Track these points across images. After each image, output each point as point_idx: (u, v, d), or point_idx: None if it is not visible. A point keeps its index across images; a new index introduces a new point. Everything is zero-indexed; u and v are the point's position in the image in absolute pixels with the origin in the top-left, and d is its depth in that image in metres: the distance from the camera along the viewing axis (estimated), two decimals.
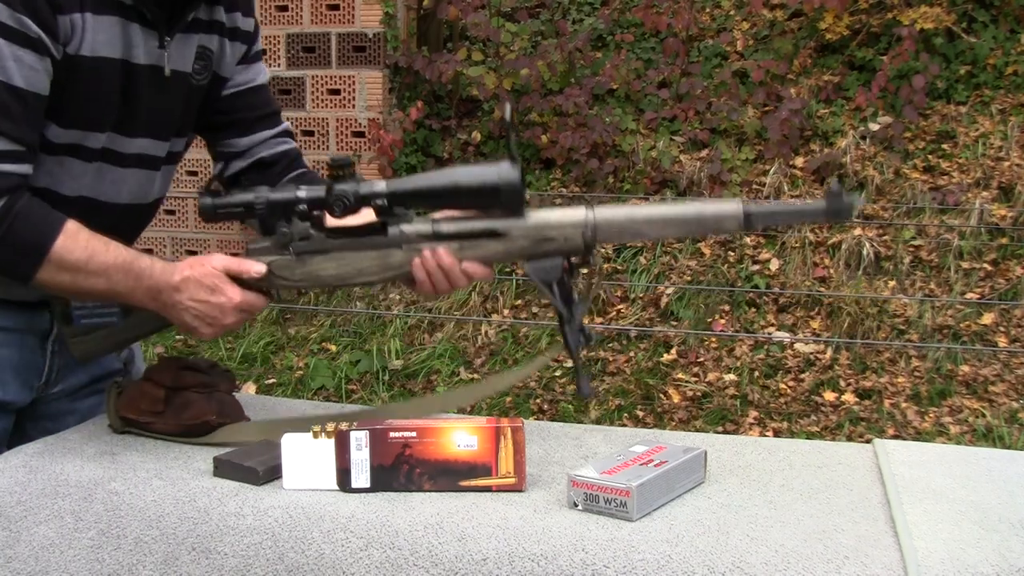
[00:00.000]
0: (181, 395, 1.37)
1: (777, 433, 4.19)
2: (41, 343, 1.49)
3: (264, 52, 1.67)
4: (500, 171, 1.21)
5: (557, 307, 1.27)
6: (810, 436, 4.13)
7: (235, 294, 1.31)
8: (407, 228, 1.28)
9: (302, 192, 1.28)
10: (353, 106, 5.71)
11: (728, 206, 1.21)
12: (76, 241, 1.28)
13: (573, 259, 1.26)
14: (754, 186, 5.49)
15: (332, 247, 1.29)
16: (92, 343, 1.37)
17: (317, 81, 5.82)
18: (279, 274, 1.31)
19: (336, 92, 5.75)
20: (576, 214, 1.23)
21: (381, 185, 1.25)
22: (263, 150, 1.59)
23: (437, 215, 1.29)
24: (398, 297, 5.47)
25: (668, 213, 1.23)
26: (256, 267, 1.31)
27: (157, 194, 1.54)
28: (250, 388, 4.74)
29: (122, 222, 1.46)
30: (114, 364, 1.59)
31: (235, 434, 1.36)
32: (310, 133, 5.74)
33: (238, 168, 1.58)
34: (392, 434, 1.16)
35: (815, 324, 4.85)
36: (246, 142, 1.58)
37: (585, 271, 1.29)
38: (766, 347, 4.74)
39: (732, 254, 5.25)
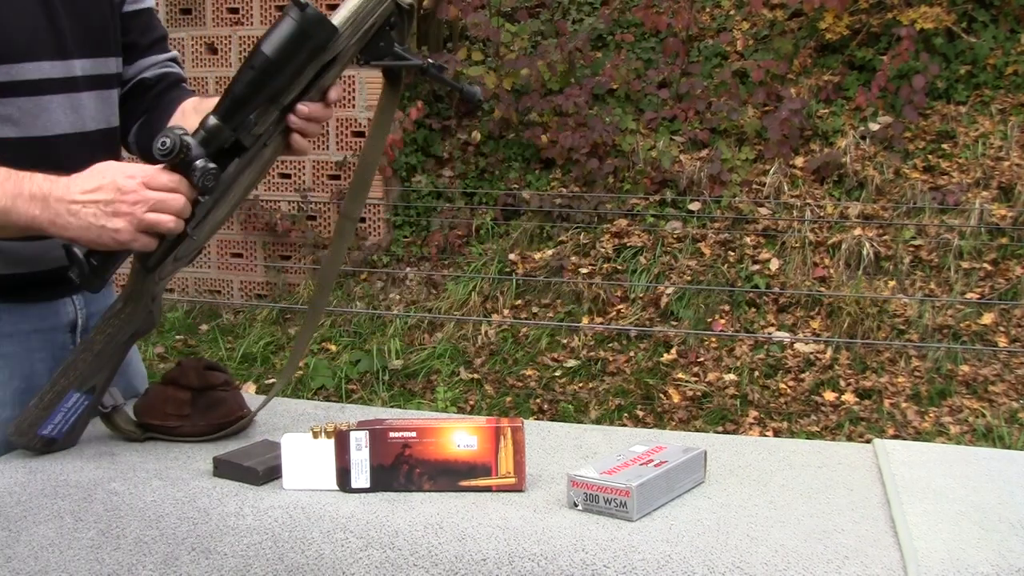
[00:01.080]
0: (207, 395, 1.37)
1: (777, 433, 4.19)
2: (71, 337, 1.48)
3: None
4: (293, 17, 1.16)
5: (412, 65, 1.23)
6: (810, 436, 4.13)
7: (136, 169, 1.21)
8: (257, 128, 1.23)
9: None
10: (353, 106, 5.71)
11: None
12: None
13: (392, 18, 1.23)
14: (754, 186, 5.49)
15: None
16: (78, 429, 1.32)
17: None
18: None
19: None
20: None
21: (213, 121, 1.20)
22: (147, 72, 1.54)
23: None
24: (398, 297, 5.47)
25: None
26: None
27: (111, 123, 1.48)
28: (250, 388, 4.74)
29: (79, 152, 1.39)
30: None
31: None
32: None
33: (122, 95, 1.52)
34: (392, 434, 1.16)
35: (815, 324, 4.85)
36: (134, 70, 1.53)
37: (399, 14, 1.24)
38: (766, 347, 4.74)
39: (732, 254, 5.25)
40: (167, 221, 1.20)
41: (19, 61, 1.32)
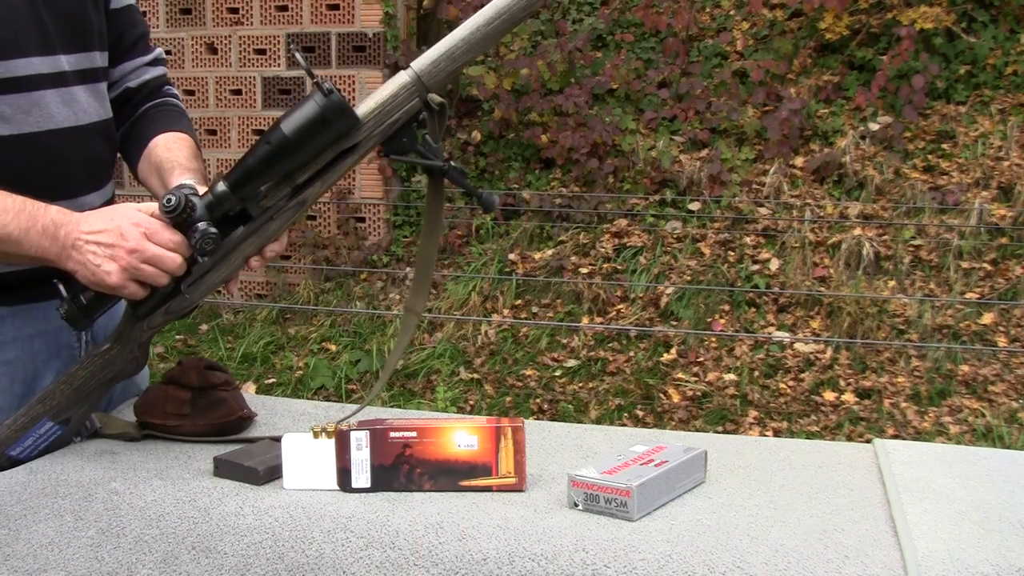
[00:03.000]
0: (207, 395, 1.37)
1: (777, 433, 4.19)
2: (76, 336, 1.48)
3: None
4: (317, 101, 1.17)
5: (430, 166, 1.23)
6: (810, 436, 4.13)
7: (144, 219, 1.22)
8: (266, 201, 1.24)
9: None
10: (353, 106, 5.71)
11: None
12: None
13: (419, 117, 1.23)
14: (754, 186, 5.49)
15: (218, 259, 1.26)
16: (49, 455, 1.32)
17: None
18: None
19: None
20: (400, 81, 1.20)
21: (222, 188, 1.21)
22: (131, 79, 1.55)
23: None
24: (398, 297, 5.46)
25: (478, 24, 1.19)
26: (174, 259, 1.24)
27: (103, 115, 1.48)
28: (250, 388, 4.74)
29: (78, 145, 1.41)
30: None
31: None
32: None
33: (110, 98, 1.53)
34: (392, 434, 1.16)
35: (815, 324, 4.85)
36: (118, 73, 1.53)
37: (429, 113, 1.24)
38: (766, 347, 4.74)
39: (732, 254, 5.25)
40: (158, 277, 1.22)
41: (8, 57, 1.32)
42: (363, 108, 1.21)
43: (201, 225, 1.20)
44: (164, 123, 1.53)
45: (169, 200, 1.20)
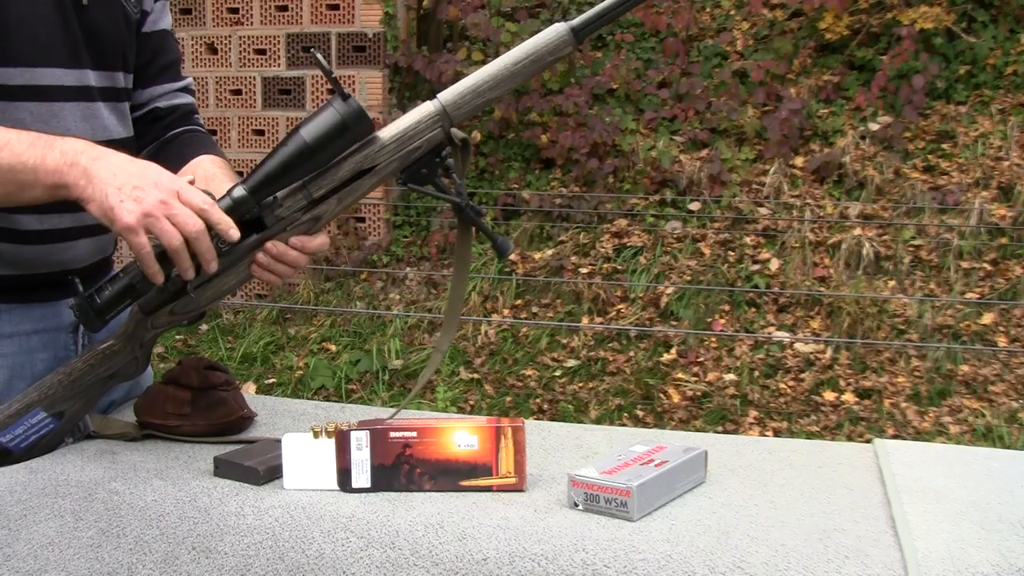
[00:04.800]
0: (207, 395, 1.37)
1: (777, 433, 4.19)
2: (73, 338, 1.47)
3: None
4: (337, 108, 1.18)
5: (449, 200, 1.24)
6: (810, 436, 4.13)
7: (179, 181, 1.20)
8: (281, 211, 1.24)
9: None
10: None
11: (553, 30, 1.22)
12: None
13: (442, 151, 1.24)
14: (754, 186, 5.49)
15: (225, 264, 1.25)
16: (39, 452, 1.30)
17: (317, 81, 5.82)
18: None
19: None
20: (425, 110, 1.22)
21: (241, 192, 1.21)
22: (161, 101, 1.55)
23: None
24: (398, 297, 5.47)
25: (506, 64, 1.22)
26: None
27: (124, 133, 1.49)
28: (250, 388, 4.74)
29: None
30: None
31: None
32: None
33: (133, 118, 1.54)
34: (392, 434, 1.16)
35: (815, 324, 4.85)
36: (147, 95, 1.54)
37: (452, 147, 1.25)
38: (766, 347, 4.74)
39: (732, 254, 5.25)
40: (173, 237, 1.18)
41: (36, 65, 1.33)
42: (386, 132, 1.22)
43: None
44: (208, 147, 1.53)
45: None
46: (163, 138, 1.56)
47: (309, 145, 1.18)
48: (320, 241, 1.27)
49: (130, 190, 1.18)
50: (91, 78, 1.40)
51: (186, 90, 1.60)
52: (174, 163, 1.45)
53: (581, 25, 1.22)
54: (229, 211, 1.21)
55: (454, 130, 1.23)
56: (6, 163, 1.20)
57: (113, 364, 1.31)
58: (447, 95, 1.22)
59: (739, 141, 5.67)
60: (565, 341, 5.02)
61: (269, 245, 1.24)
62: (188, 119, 1.59)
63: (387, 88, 5.76)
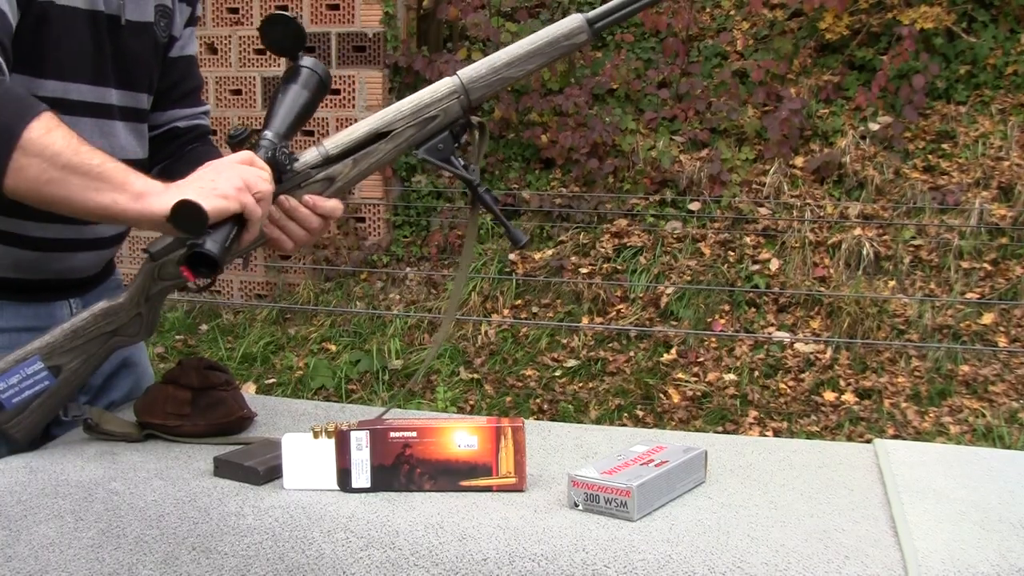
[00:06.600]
0: (207, 395, 1.37)
1: (777, 433, 4.19)
2: None
3: (199, 19, 1.69)
4: (307, 64, 1.26)
5: (461, 176, 1.27)
6: (810, 436, 4.13)
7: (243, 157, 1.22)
8: (297, 165, 1.25)
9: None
10: (353, 106, 5.71)
11: (570, 20, 1.27)
12: (51, 131, 1.16)
13: (456, 126, 1.27)
14: (754, 186, 5.49)
15: None
16: (32, 416, 1.28)
17: None
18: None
19: (336, 92, 5.75)
20: (444, 85, 1.25)
21: (269, 136, 1.24)
22: (181, 122, 1.58)
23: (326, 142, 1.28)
24: (398, 297, 5.47)
25: (523, 47, 1.27)
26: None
27: (140, 154, 1.50)
28: (250, 388, 4.74)
29: None
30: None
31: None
32: (310, 133, 5.74)
33: (151, 136, 1.56)
34: (392, 434, 1.16)
35: (815, 324, 4.85)
36: (168, 116, 1.57)
37: (470, 130, 1.29)
38: (766, 347, 4.74)
39: (732, 254, 5.25)
40: (255, 210, 1.19)
41: (64, 79, 1.34)
42: (404, 101, 1.26)
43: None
44: (216, 152, 1.55)
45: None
46: (179, 154, 1.58)
47: (305, 105, 1.26)
48: (333, 204, 1.27)
49: (207, 180, 1.20)
50: (113, 96, 1.42)
51: (206, 115, 1.64)
52: (192, 168, 1.48)
53: (596, 17, 1.26)
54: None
55: (472, 117, 1.26)
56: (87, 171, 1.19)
57: (117, 319, 1.29)
58: (465, 70, 1.26)
59: (739, 141, 5.66)
60: (565, 341, 5.02)
61: (281, 199, 1.25)
62: (205, 139, 1.62)
63: (387, 88, 5.76)
